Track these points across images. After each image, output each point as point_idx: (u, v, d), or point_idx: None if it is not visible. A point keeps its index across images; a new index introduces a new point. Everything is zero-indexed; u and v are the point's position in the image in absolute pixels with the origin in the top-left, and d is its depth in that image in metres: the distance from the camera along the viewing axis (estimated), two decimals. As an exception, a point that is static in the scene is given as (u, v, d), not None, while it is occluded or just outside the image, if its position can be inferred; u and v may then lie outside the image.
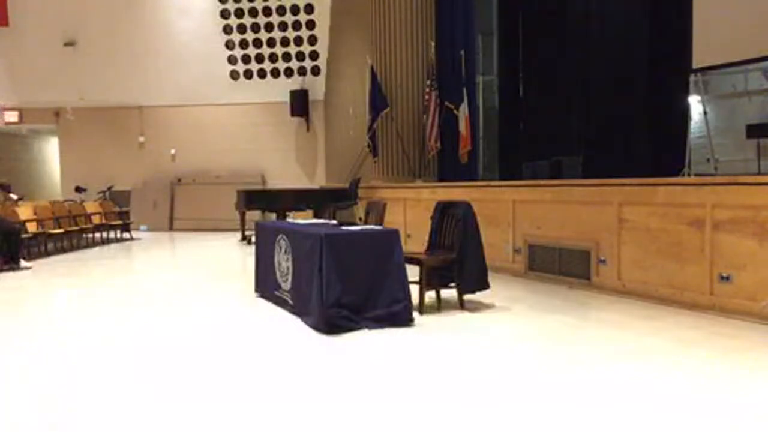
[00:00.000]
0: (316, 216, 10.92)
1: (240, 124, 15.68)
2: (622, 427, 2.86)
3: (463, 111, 10.57)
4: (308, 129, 15.51)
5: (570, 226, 6.65)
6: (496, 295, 5.74)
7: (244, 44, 15.24)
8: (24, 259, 8.73)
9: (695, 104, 7.64)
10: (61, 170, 16.58)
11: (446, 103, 10.88)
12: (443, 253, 5.48)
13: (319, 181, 15.26)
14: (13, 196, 10.29)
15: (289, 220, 8.98)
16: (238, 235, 12.08)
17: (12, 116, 16.17)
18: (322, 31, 14.86)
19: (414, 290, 5.05)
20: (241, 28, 15.13)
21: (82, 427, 2.93)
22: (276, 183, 15.00)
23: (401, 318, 4.79)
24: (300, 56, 15.22)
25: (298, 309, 5.16)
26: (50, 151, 18.38)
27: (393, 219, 8.71)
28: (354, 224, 6.01)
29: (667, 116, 8.01)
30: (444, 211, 5.69)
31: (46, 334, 4.86)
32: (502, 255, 7.52)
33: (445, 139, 10.87)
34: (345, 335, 4.52)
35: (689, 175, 7.09)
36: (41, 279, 7.88)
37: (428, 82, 10.82)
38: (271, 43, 15.20)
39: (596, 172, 7.33)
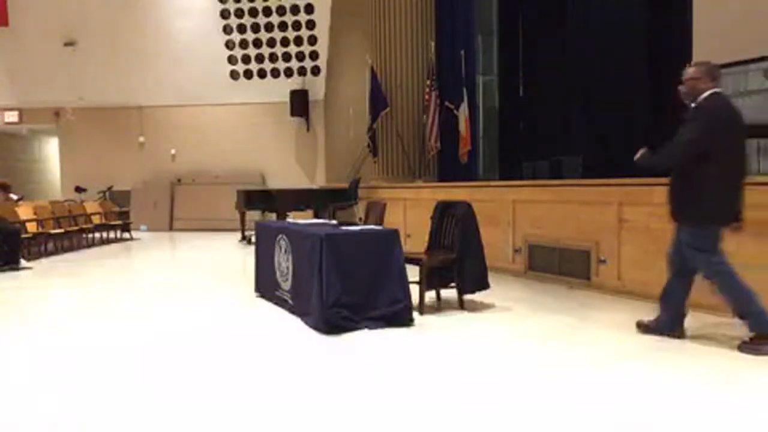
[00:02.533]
0: (316, 216, 10.91)
1: (240, 124, 15.67)
2: (622, 427, 2.86)
3: (463, 111, 10.57)
4: (308, 129, 15.49)
5: (570, 226, 6.65)
6: (496, 295, 5.74)
7: (244, 44, 15.23)
8: (24, 259, 8.73)
9: (695, 104, 7.63)
10: (61, 170, 16.57)
11: (446, 103, 10.88)
12: (443, 253, 5.48)
13: (319, 181, 15.25)
14: (14, 196, 10.27)
15: (289, 220, 8.98)
16: (238, 235, 12.08)
17: (12, 116, 16.17)
18: (322, 31, 14.85)
19: (414, 290, 5.05)
20: (241, 28, 15.12)
21: (82, 427, 2.93)
22: (276, 183, 14.99)
23: (401, 318, 4.79)
24: (300, 56, 15.21)
25: (298, 309, 5.16)
26: (50, 151, 18.36)
27: (393, 219, 8.70)
28: (354, 224, 6.01)
29: (667, 116, 8.00)
30: (444, 211, 5.69)
31: (46, 334, 4.86)
32: (502, 255, 7.52)
33: (445, 139, 10.87)
34: (345, 335, 4.52)
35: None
36: (41, 279, 7.88)
37: (428, 82, 10.82)
38: (271, 43, 15.19)
39: (596, 172, 7.33)
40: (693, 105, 4.21)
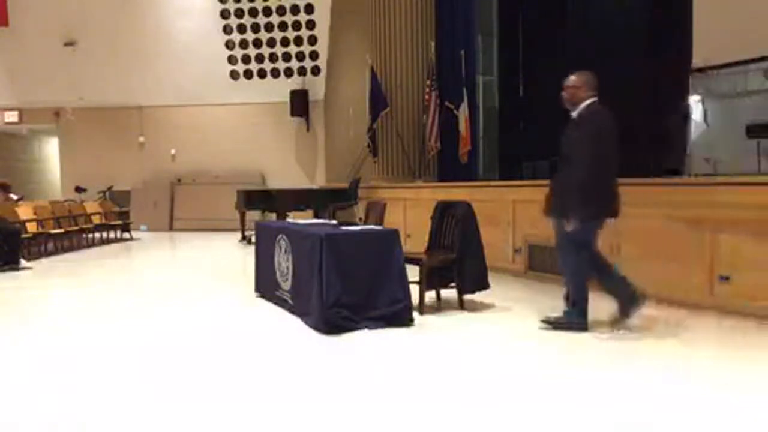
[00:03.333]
0: (316, 216, 10.91)
1: (240, 124, 15.67)
2: (622, 427, 2.86)
3: (463, 111, 10.56)
4: (308, 129, 15.50)
5: (570, 226, 6.63)
6: (496, 295, 5.73)
7: (244, 44, 15.23)
8: (24, 259, 8.73)
9: (695, 104, 7.64)
10: (61, 170, 16.57)
11: (446, 103, 10.88)
12: (443, 253, 5.48)
13: (319, 181, 15.25)
14: (14, 196, 10.27)
15: (289, 220, 8.98)
16: (238, 235, 12.08)
17: (12, 116, 16.17)
18: (322, 31, 14.85)
19: (414, 290, 5.05)
20: (241, 28, 15.12)
21: (82, 427, 2.94)
22: (276, 183, 14.99)
23: (401, 318, 4.79)
24: (300, 56, 15.21)
25: (298, 309, 5.17)
26: (50, 151, 18.37)
27: (393, 219, 8.70)
28: (354, 224, 6.01)
29: (667, 116, 8.01)
30: (444, 211, 5.68)
31: (46, 334, 4.86)
32: (502, 255, 7.51)
33: (445, 139, 10.87)
34: (345, 335, 4.52)
35: (689, 175, 7.08)
36: (41, 279, 7.88)
37: (428, 82, 10.81)
38: (271, 43, 15.19)
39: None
40: (575, 114, 4.67)
